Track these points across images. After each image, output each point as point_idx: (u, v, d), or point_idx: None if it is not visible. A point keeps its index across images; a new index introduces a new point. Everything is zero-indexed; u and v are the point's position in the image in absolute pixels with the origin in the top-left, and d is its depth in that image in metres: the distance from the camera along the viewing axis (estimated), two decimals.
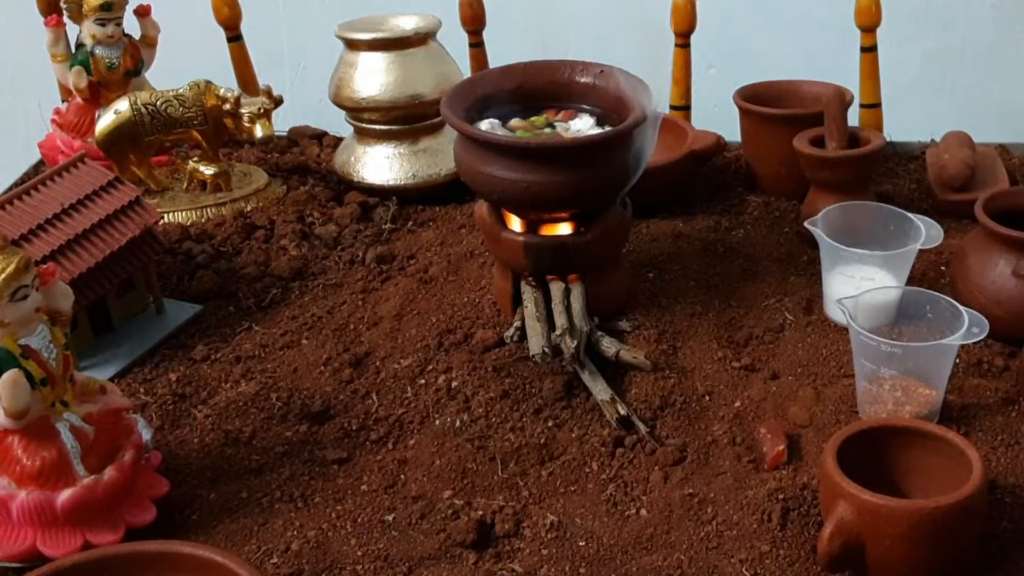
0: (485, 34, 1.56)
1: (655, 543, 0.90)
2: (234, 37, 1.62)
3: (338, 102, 1.47)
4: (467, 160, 1.10)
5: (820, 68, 1.45)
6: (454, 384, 1.08)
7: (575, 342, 1.04)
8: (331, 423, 1.06)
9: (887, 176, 1.48)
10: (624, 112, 1.10)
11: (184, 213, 1.43)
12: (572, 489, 0.97)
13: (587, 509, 0.94)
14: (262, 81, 1.61)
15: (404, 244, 1.36)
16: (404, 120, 1.45)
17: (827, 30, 1.69)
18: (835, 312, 1.13)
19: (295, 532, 0.92)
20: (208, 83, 1.41)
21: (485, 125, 1.11)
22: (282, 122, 1.56)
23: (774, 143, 1.38)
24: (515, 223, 1.13)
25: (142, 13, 1.54)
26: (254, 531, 0.93)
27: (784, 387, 1.06)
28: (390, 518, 0.94)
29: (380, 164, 1.47)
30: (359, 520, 0.94)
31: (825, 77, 1.42)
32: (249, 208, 1.45)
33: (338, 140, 1.65)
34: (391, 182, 1.46)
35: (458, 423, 1.03)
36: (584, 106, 1.15)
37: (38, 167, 1.63)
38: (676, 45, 1.52)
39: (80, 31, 1.52)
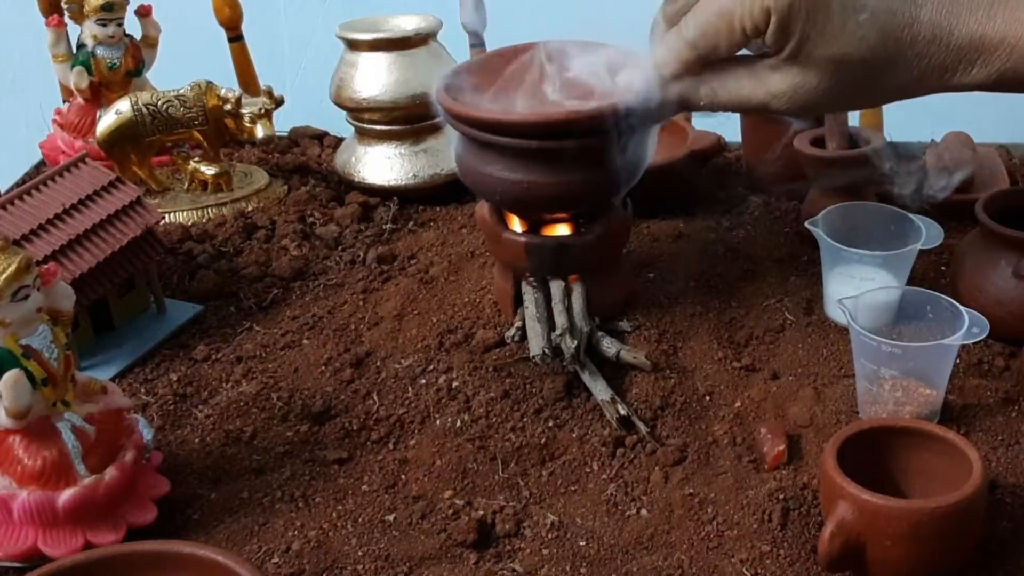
0: (486, 34, 1.56)
1: (655, 543, 0.90)
2: (235, 37, 1.63)
3: (339, 102, 1.47)
4: (467, 160, 1.11)
5: None
6: (455, 384, 1.08)
7: (575, 342, 1.05)
8: (332, 423, 1.06)
9: (887, 176, 1.48)
10: None
11: (185, 213, 1.43)
12: (572, 489, 0.97)
13: (588, 509, 0.94)
14: (263, 81, 1.61)
15: (405, 244, 1.36)
16: (405, 120, 1.45)
17: None
18: (835, 312, 1.13)
19: (296, 532, 0.92)
20: (209, 83, 1.42)
21: None
22: (283, 122, 1.56)
23: (774, 143, 1.37)
24: (516, 224, 1.13)
25: (143, 13, 1.54)
26: (255, 531, 0.93)
27: (784, 387, 1.06)
28: (391, 518, 0.94)
29: (381, 164, 1.47)
30: (360, 520, 0.94)
31: None
32: (250, 208, 1.45)
33: (339, 140, 1.65)
34: (392, 182, 1.46)
35: (459, 423, 1.03)
36: None
37: (39, 167, 1.64)
38: None
39: (81, 31, 1.52)
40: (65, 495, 0.88)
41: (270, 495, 0.97)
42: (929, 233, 1.11)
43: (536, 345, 1.05)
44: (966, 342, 0.96)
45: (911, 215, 1.14)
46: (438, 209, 1.45)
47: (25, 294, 0.86)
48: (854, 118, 1.35)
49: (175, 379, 1.12)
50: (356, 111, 1.46)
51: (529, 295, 1.11)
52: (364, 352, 1.15)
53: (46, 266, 0.92)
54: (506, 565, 0.89)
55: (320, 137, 1.70)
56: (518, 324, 1.11)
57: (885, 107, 1.50)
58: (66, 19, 1.52)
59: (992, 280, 1.09)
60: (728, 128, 1.48)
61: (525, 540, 0.91)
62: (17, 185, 1.52)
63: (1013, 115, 1.70)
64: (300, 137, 1.70)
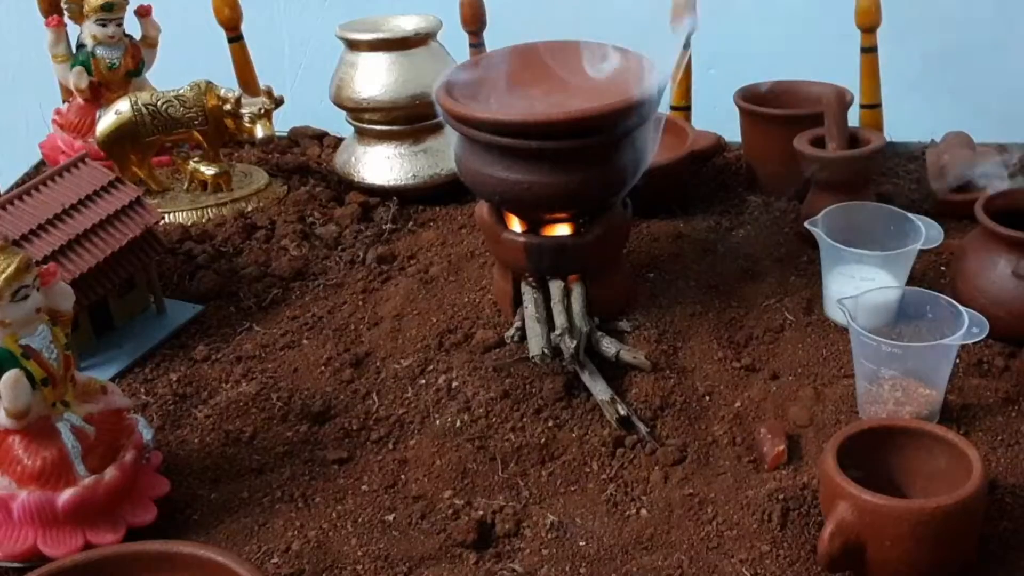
0: (485, 34, 1.56)
1: (655, 543, 0.90)
2: (235, 37, 1.63)
3: (339, 102, 1.47)
4: (467, 161, 1.11)
5: (820, 68, 1.45)
6: (454, 384, 1.08)
7: (575, 342, 1.05)
8: (331, 423, 1.06)
9: (887, 176, 1.48)
10: None
11: (185, 213, 1.43)
12: (572, 489, 0.97)
13: (587, 509, 0.94)
14: (263, 81, 1.61)
15: (405, 244, 1.36)
16: (405, 120, 1.45)
17: (827, 30, 1.69)
18: (835, 312, 1.13)
19: (296, 532, 0.92)
20: (209, 83, 1.42)
21: None
22: (283, 122, 1.56)
23: (774, 143, 1.38)
24: (516, 224, 1.13)
25: (143, 13, 1.54)
26: (255, 531, 0.93)
27: (784, 387, 1.06)
28: (390, 518, 0.94)
29: (380, 164, 1.47)
30: (359, 520, 0.94)
31: (825, 77, 1.42)
32: (250, 208, 1.45)
33: (339, 140, 1.65)
34: (391, 182, 1.46)
35: (458, 423, 1.03)
36: None
37: (39, 167, 1.64)
38: (680, 46, 1.52)
39: (81, 32, 1.52)
40: (65, 495, 0.88)
41: (270, 495, 0.97)
42: (929, 233, 1.11)
43: (536, 345, 1.05)
44: (966, 342, 0.96)
45: (911, 215, 1.14)
46: (438, 209, 1.45)
47: (25, 294, 0.86)
48: (854, 118, 1.35)
49: (175, 379, 1.12)
50: (356, 111, 1.46)
51: (528, 295, 1.11)
52: (364, 352, 1.15)
53: (46, 266, 0.92)
54: (506, 565, 0.89)
55: (320, 137, 1.70)
56: (518, 324, 1.11)
57: (885, 107, 1.50)
58: (66, 19, 1.52)
59: (992, 280, 1.09)
60: (728, 128, 1.49)
61: (525, 540, 0.91)
62: (17, 185, 1.52)
63: (1013, 115, 1.70)
64: (300, 137, 1.70)
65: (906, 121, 1.54)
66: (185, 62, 1.54)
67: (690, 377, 1.08)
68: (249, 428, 1.05)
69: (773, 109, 1.41)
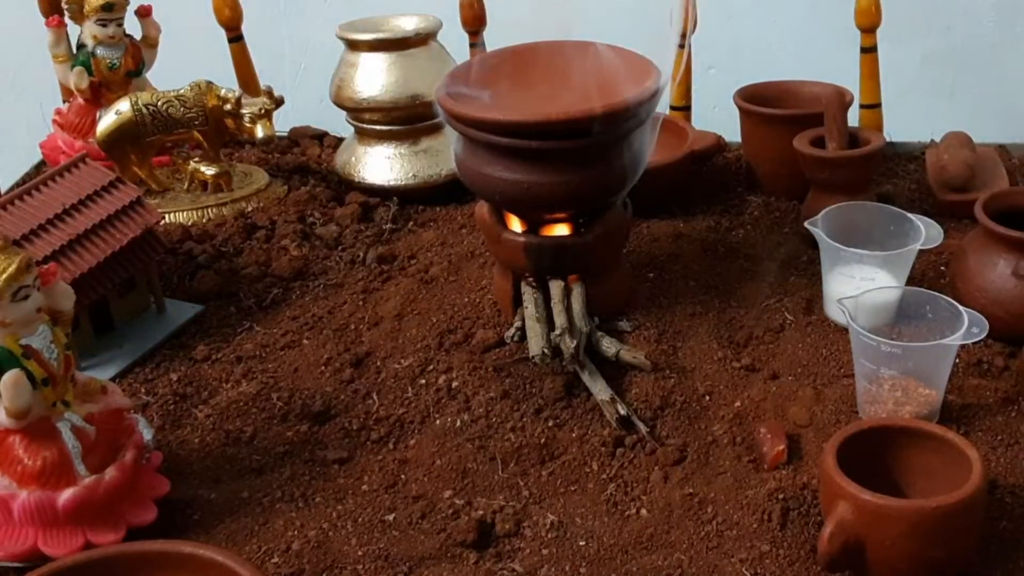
0: (485, 34, 1.56)
1: (655, 543, 0.90)
2: (235, 38, 1.63)
3: (339, 102, 1.47)
4: (467, 161, 1.11)
5: (820, 68, 1.45)
6: (454, 384, 1.08)
7: (575, 342, 1.05)
8: (332, 423, 1.06)
9: (887, 176, 1.48)
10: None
11: (185, 213, 1.43)
12: (572, 489, 0.97)
13: (587, 509, 0.94)
14: (263, 81, 1.61)
15: (405, 244, 1.36)
16: (405, 120, 1.46)
17: (827, 30, 1.69)
18: (835, 312, 1.13)
19: (296, 532, 0.92)
20: (209, 83, 1.42)
21: None
22: (283, 122, 1.56)
23: (774, 143, 1.38)
24: (515, 224, 1.13)
25: (143, 14, 1.54)
26: (255, 531, 0.93)
27: (784, 387, 1.06)
28: (391, 518, 0.94)
29: (381, 164, 1.47)
30: (360, 520, 0.94)
31: (825, 77, 1.42)
32: (250, 208, 1.45)
33: (339, 140, 1.65)
34: (392, 182, 1.46)
35: (458, 423, 1.03)
36: None
37: (39, 167, 1.64)
38: (676, 45, 1.52)
39: (81, 32, 1.52)
40: (65, 495, 0.88)
41: (270, 495, 0.97)
42: (929, 233, 1.11)
43: (536, 345, 1.05)
44: (965, 342, 0.96)
45: (911, 215, 1.14)
46: (438, 209, 1.45)
47: (25, 294, 0.86)
48: (854, 118, 1.35)
49: (175, 379, 1.12)
50: (356, 111, 1.46)
51: (528, 295, 1.11)
52: (364, 352, 1.15)
53: (46, 266, 0.92)
54: (506, 565, 0.89)
55: (320, 137, 1.70)
56: (518, 324, 1.11)
57: (885, 107, 1.50)
58: (66, 19, 1.52)
59: (992, 280, 1.09)
60: (728, 128, 1.49)
61: (525, 540, 0.91)
62: (17, 185, 1.52)
63: (1013, 115, 1.70)
64: (300, 137, 1.70)
65: (906, 121, 1.54)
66: (185, 62, 1.54)
67: (690, 377, 1.08)
68: (249, 428, 1.05)
69: (773, 109, 1.41)
